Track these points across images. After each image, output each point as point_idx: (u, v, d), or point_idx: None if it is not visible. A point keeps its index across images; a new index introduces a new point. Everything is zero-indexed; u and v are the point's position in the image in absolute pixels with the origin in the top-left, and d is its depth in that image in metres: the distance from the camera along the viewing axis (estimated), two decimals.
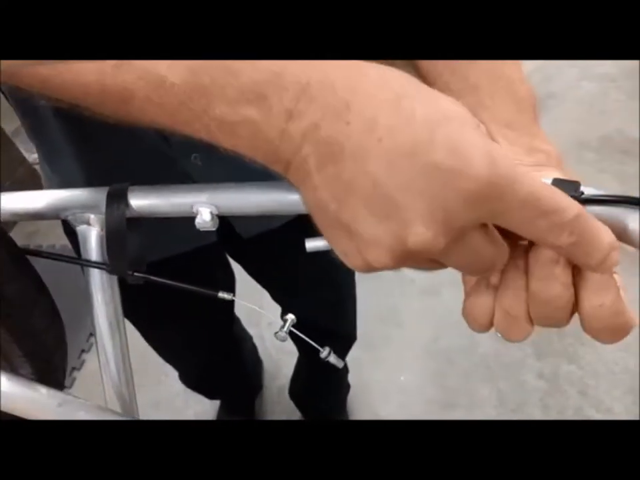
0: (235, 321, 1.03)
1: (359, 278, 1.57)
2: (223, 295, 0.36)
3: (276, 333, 0.37)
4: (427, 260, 0.25)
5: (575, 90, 1.98)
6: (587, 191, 0.27)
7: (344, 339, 1.01)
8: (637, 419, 1.17)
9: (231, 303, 0.89)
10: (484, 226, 0.24)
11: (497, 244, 0.25)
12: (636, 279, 1.32)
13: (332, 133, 0.23)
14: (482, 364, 1.29)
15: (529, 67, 2.14)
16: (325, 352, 0.39)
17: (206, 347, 0.88)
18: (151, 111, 0.26)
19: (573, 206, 0.24)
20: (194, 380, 1.04)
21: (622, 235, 0.26)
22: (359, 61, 0.24)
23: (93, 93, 0.27)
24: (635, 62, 1.98)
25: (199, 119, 0.25)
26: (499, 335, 0.29)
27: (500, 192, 0.22)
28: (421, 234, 0.22)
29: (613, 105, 1.87)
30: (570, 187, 0.27)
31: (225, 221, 0.58)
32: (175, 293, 0.54)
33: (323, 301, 0.85)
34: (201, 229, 0.33)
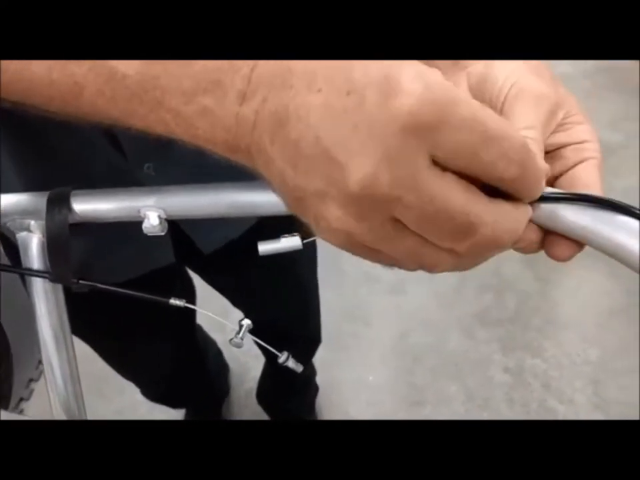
0: (196, 329, 1.00)
1: (325, 277, 1.56)
2: (174, 301, 0.34)
3: (231, 339, 0.36)
4: (388, 219, 0.22)
5: None
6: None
7: (308, 342, 1.00)
8: (598, 408, 1.20)
9: (192, 312, 0.87)
10: (444, 170, 0.22)
11: (472, 192, 0.22)
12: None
13: (278, 101, 0.22)
14: (449, 361, 1.31)
15: None
16: (283, 357, 0.38)
17: (167, 361, 0.85)
18: (102, 105, 0.25)
19: (518, 134, 0.23)
20: (156, 394, 1.01)
21: (576, 232, 0.26)
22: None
23: (39, 89, 0.26)
24: (592, 62, 2.03)
25: (153, 112, 0.24)
26: None
27: (439, 113, 0.20)
28: (359, 169, 0.21)
29: None
30: None
31: (184, 237, 0.56)
32: (130, 308, 0.52)
33: (286, 305, 0.84)
34: (149, 234, 0.31)
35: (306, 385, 1.18)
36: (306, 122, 0.22)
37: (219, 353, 1.20)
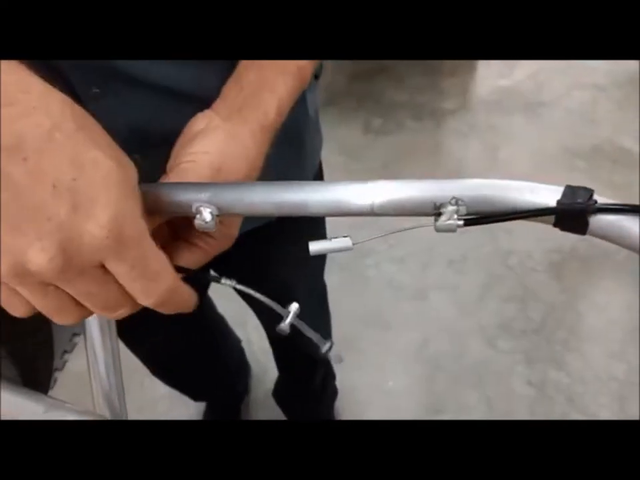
0: (207, 307, 0.99)
1: (347, 282, 1.56)
2: (226, 281, 0.33)
3: (278, 326, 0.34)
4: (44, 286, 0.26)
5: (565, 99, 1.99)
6: (600, 199, 0.26)
7: (306, 359, 0.98)
8: None
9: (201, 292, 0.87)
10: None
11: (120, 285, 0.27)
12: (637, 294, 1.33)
13: None
14: (471, 370, 1.29)
15: (520, 75, 2.16)
16: (325, 346, 0.37)
17: (167, 337, 0.84)
18: None
19: (171, 280, 0.28)
20: (159, 371, 1.01)
21: (631, 243, 0.26)
22: (30, 74, 0.25)
23: None
24: (625, 72, 2.00)
25: None
26: None
27: (115, 250, 0.25)
28: (37, 253, 0.24)
29: (603, 115, 1.89)
30: (584, 194, 0.26)
31: None
32: None
33: (277, 319, 0.83)
34: (200, 230, 0.32)
35: (324, 389, 1.18)
36: (6, 180, 0.23)
37: (240, 350, 1.21)
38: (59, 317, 0.29)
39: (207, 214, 0.31)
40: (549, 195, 0.27)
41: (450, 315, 1.40)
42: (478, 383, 1.27)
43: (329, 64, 2.41)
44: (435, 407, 1.26)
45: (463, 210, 0.28)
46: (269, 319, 0.89)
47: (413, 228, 0.29)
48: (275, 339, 1.00)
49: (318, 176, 0.67)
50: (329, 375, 1.17)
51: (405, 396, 1.28)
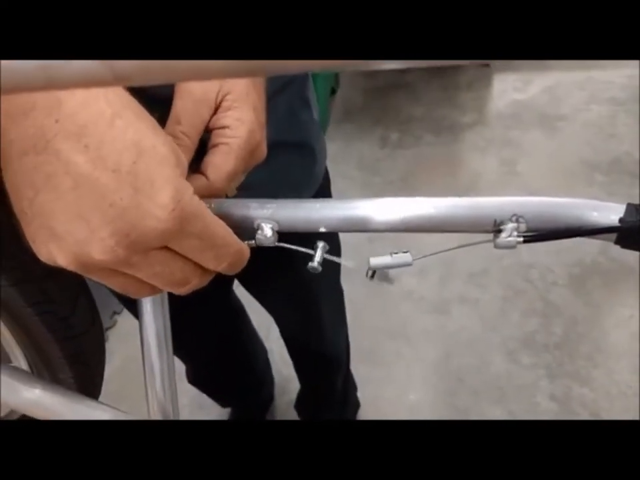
0: (239, 307, 1.01)
1: (368, 294, 1.56)
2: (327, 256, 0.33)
3: (309, 264, 0.33)
4: (111, 271, 0.27)
5: (583, 112, 2.00)
6: None
7: (321, 358, 0.98)
8: None
9: (227, 293, 0.88)
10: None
11: (185, 260, 0.28)
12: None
13: (39, 125, 0.23)
14: (493, 384, 1.28)
15: (537, 89, 2.16)
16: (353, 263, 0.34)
17: (204, 331, 0.86)
18: None
19: (237, 242, 0.29)
20: (192, 374, 1.03)
21: None
22: None
23: None
24: None
25: None
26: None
27: (180, 228, 0.26)
28: (99, 245, 0.24)
29: (622, 129, 1.89)
30: None
31: None
32: None
33: (296, 319, 0.84)
34: (260, 245, 0.33)
35: (345, 400, 1.18)
36: (65, 166, 0.23)
37: (267, 361, 1.22)
38: (132, 294, 0.30)
39: (268, 229, 0.32)
40: (610, 213, 0.28)
41: (471, 329, 1.40)
42: (500, 397, 1.26)
43: (345, 80, 2.43)
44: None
45: (523, 227, 0.29)
46: (286, 321, 0.90)
47: (472, 244, 0.30)
48: (292, 346, 1.01)
49: (326, 180, 0.68)
50: (351, 386, 1.17)
51: (427, 409, 1.27)
